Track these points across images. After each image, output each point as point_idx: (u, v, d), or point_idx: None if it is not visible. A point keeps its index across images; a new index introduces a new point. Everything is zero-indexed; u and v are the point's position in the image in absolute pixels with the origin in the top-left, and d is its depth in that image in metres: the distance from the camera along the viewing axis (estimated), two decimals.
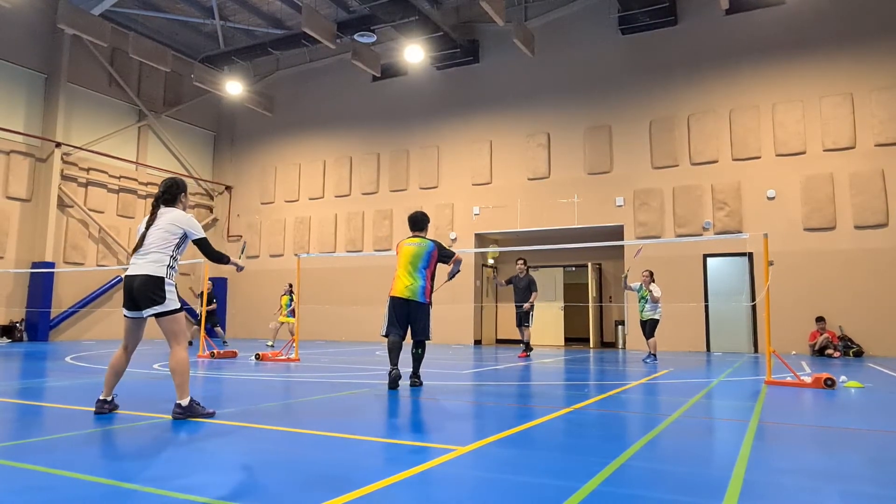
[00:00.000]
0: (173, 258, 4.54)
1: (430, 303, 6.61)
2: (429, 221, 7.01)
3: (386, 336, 6.59)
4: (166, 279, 4.45)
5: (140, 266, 4.44)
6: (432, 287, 6.68)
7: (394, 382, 6.31)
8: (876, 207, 13.39)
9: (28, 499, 2.54)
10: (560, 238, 17.09)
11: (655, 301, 11.04)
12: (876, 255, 13.27)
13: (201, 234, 4.67)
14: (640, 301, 11.27)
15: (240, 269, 5.38)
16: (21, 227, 16.83)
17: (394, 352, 6.51)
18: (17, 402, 5.43)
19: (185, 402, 4.38)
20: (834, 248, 13.68)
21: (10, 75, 16.79)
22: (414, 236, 6.84)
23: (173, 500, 2.53)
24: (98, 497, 2.57)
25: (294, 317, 15.82)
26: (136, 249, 4.56)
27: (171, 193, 4.72)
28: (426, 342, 6.73)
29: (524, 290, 12.10)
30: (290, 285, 16.16)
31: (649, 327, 11.15)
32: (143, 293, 4.38)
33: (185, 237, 4.63)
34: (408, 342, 6.71)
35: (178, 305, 4.49)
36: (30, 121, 17.17)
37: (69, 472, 2.95)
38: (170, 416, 4.45)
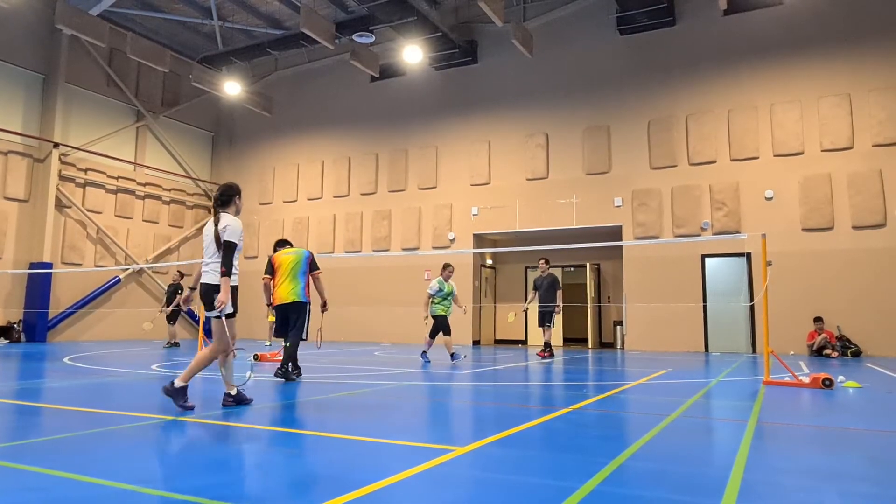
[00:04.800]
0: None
1: (308, 301, 7.47)
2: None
3: (288, 341, 7.41)
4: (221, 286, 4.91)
5: (205, 275, 5.01)
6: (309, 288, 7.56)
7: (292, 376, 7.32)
8: (874, 207, 13.41)
9: (27, 499, 2.53)
10: (559, 238, 17.09)
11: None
12: (874, 256, 13.29)
13: (232, 239, 4.94)
14: (446, 299, 10.70)
15: (216, 301, 4.90)
16: (19, 228, 16.80)
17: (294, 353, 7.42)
18: (15, 402, 5.42)
19: (178, 384, 4.80)
20: (832, 249, 13.70)
21: (7, 76, 16.76)
22: (287, 248, 7.86)
23: (173, 500, 2.53)
24: (97, 498, 2.57)
25: None
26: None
27: (226, 196, 5.12)
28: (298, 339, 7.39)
29: (547, 289, 11.68)
30: None
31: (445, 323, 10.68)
32: (205, 299, 4.95)
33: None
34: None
35: (228, 311, 4.88)
36: (27, 121, 17.14)
37: (68, 473, 2.95)
38: (170, 417, 4.53)
